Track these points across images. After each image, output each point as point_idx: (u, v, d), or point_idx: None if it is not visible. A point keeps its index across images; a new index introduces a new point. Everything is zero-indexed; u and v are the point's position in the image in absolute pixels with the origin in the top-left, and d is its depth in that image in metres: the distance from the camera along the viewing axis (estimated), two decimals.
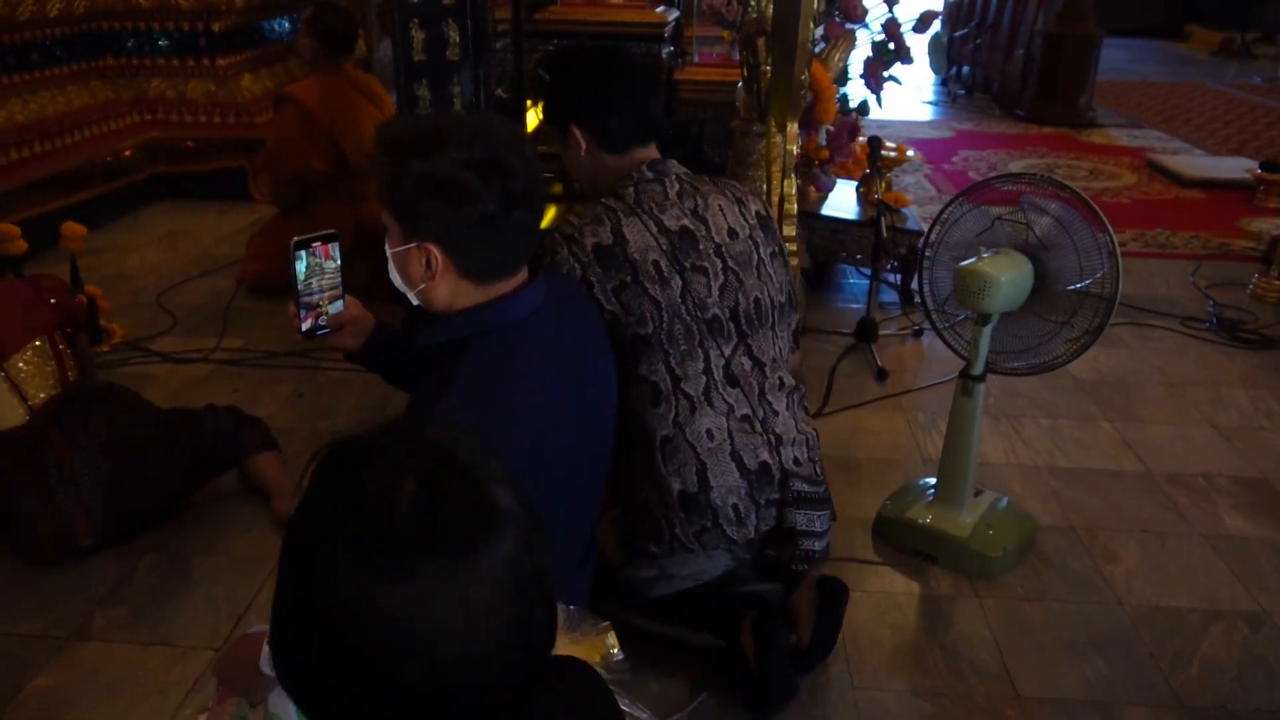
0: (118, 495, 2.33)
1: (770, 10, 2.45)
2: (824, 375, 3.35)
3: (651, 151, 1.88)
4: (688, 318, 1.82)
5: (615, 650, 1.43)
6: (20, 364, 2.25)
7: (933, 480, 2.57)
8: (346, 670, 0.76)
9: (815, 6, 1.96)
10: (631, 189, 1.84)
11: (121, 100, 5.18)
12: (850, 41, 2.61)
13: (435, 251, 1.39)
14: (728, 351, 1.87)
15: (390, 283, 1.54)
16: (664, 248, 1.81)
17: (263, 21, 5.61)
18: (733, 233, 1.89)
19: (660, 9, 3.35)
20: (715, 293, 1.86)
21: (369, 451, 0.81)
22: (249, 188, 5.26)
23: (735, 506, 1.81)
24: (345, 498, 0.79)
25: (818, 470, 1.98)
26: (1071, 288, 2.18)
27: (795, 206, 2.13)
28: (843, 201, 4.07)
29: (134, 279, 4.11)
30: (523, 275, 1.47)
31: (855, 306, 3.96)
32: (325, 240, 1.60)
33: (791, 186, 2.11)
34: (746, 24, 2.51)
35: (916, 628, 2.21)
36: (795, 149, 2.10)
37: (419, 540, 0.76)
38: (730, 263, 1.87)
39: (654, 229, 1.82)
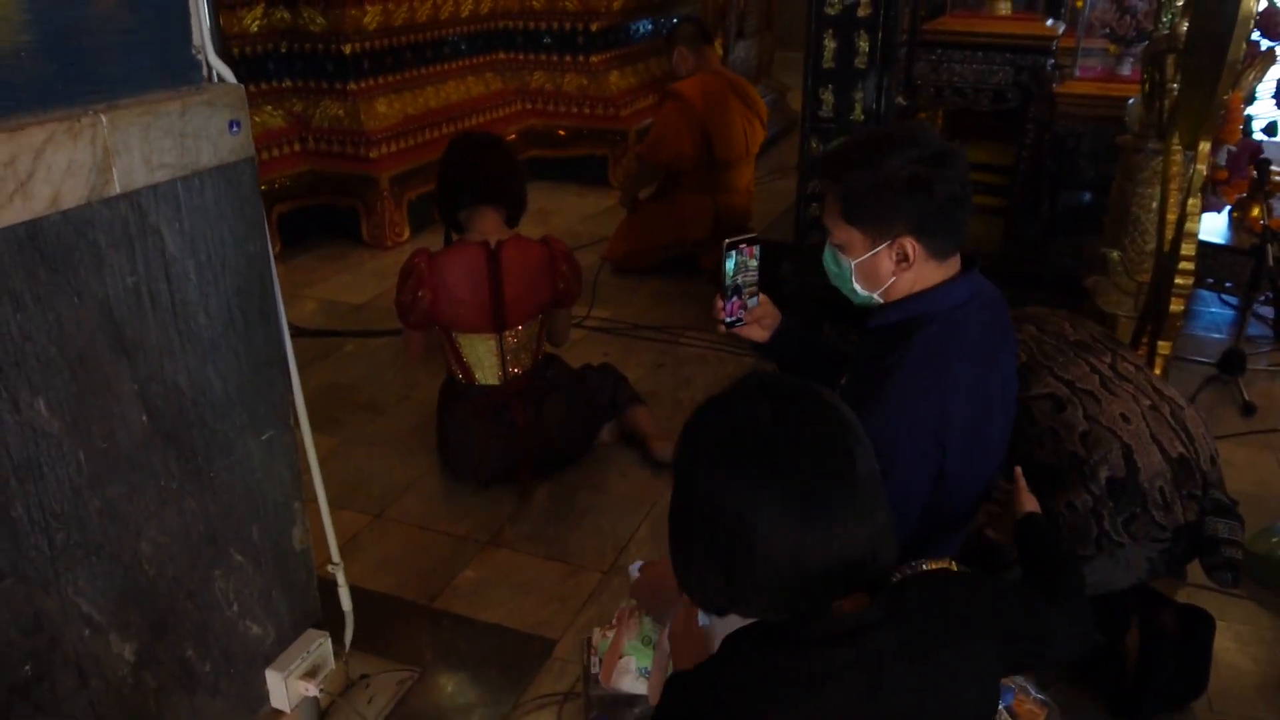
0: (552, 447, 2.75)
1: (1183, 27, 2.43)
2: None
3: None
4: (1054, 341, 2.02)
5: None
6: (512, 338, 2.66)
7: None
8: (714, 551, 1.06)
9: (1250, 26, 1.93)
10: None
11: (508, 90, 5.83)
12: (1269, 61, 2.52)
13: (910, 242, 1.55)
14: (1107, 360, 1.98)
15: None
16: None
17: (631, 23, 6.09)
18: (1052, 310, 2.19)
19: (1050, 22, 3.35)
20: (1069, 328, 2.07)
21: (736, 388, 1.12)
22: (607, 175, 5.76)
23: (1162, 490, 1.85)
24: (713, 417, 1.10)
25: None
26: None
27: (1198, 227, 2.12)
28: (1209, 225, 3.86)
29: None
30: (958, 261, 1.62)
31: (1215, 336, 3.76)
32: (750, 243, 1.82)
33: (1196, 206, 2.10)
34: (1155, 39, 2.50)
35: None
36: (1204, 169, 2.08)
37: (777, 444, 1.04)
38: (1065, 315, 2.13)
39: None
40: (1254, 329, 3.83)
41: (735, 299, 1.85)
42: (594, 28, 5.73)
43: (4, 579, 1.28)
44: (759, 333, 1.92)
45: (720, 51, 6.07)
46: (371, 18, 4.77)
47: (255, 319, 1.63)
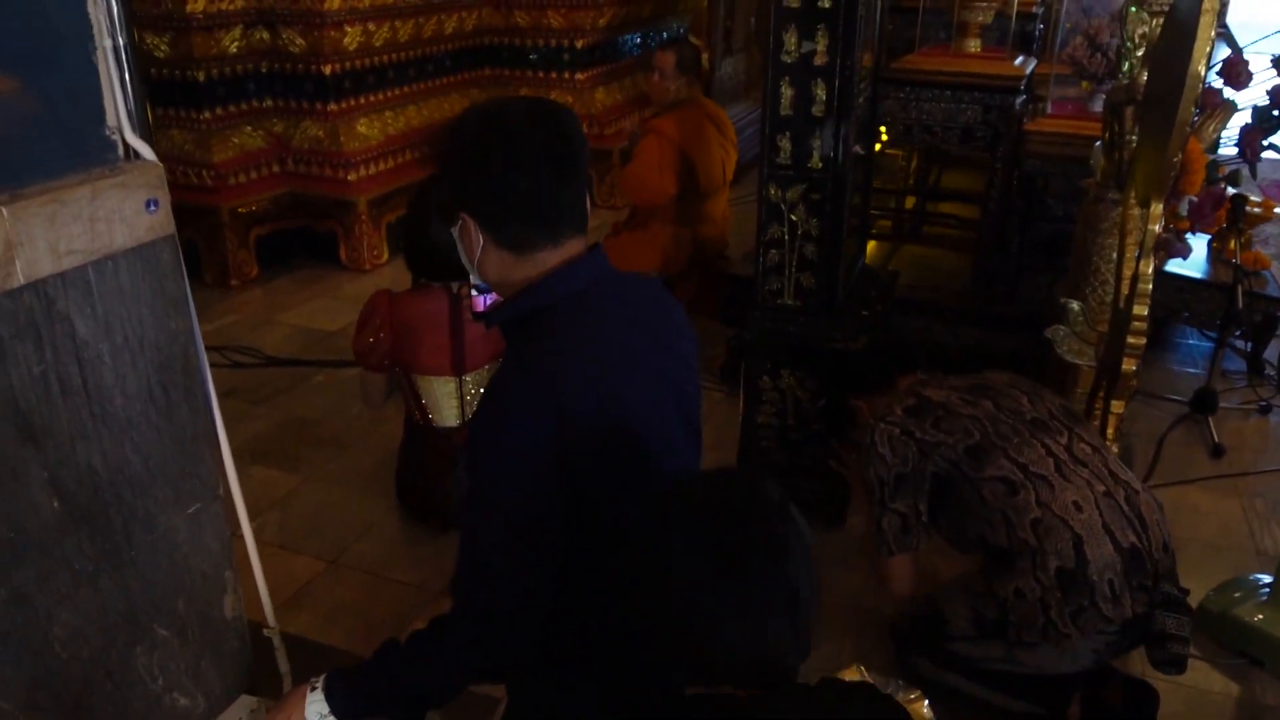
0: None
1: (1143, 78, 2.40)
2: (1151, 443, 3.20)
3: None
4: (1010, 420, 2.01)
5: (929, 715, 1.53)
6: (471, 381, 2.65)
7: (1268, 577, 2.43)
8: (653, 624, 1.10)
9: (1199, 88, 1.91)
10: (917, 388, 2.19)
11: None
12: (1228, 111, 2.49)
13: (472, 225, 1.37)
14: (1064, 441, 1.95)
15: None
16: (961, 391, 2.09)
17: (617, 39, 6.06)
18: (1012, 380, 2.19)
19: (1019, 60, 3.32)
20: (1026, 403, 2.06)
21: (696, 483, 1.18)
22: (593, 193, 5.74)
23: (1111, 583, 1.84)
24: (672, 505, 1.14)
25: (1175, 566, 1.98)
26: None
27: (1150, 287, 2.09)
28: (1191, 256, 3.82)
29: None
30: (573, 248, 1.40)
31: (1193, 371, 3.73)
32: None
33: (1148, 266, 2.08)
34: (1114, 89, 2.47)
35: None
36: (1158, 229, 2.06)
37: (716, 551, 1.06)
38: (1025, 387, 2.13)
39: (947, 386, 2.15)
40: (1231, 363, 3.81)
41: (482, 290, 1.65)
42: (580, 45, 5.71)
43: None
44: None
45: (706, 68, 6.05)
46: (351, 39, 4.76)
47: (178, 395, 1.61)
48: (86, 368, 1.44)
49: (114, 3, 1.48)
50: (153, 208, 1.51)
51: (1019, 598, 1.87)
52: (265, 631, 1.92)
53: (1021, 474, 1.91)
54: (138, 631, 1.61)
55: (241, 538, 1.84)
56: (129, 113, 1.50)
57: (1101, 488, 1.90)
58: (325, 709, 1.51)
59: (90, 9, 1.42)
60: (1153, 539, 1.90)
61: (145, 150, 1.52)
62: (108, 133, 1.47)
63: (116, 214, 1.44)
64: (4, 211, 1.28)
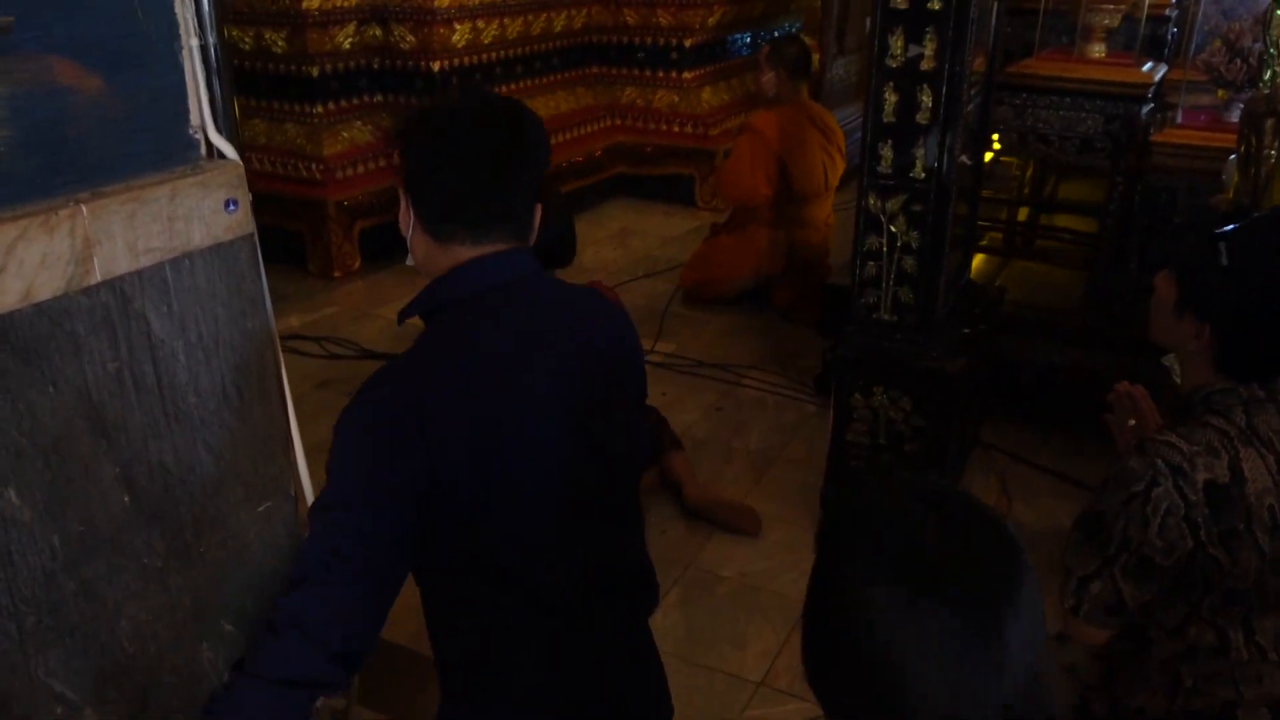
0: None
1: None
2: None
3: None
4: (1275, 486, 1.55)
5: None
6: None
7: None
8: (868, 671, 0.88)
9: None
10: (1241, 410, 1.56)
11: (599, 105, 5.81)
12: None
13: (405, 199, 1.44)
14: None
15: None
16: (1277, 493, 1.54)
17: (727, 38, 5.98)
18: None
19: (1146, 66, 3.12)
20: None
21: (881, 490, 0.93)
22: (694, 195, 5.67)
23: None
24: (873, 526, 0.90)
25: None
26: None
27: None
28: None
29: (589, 273, 4.62)
30: (499, 245, 1.41)
31: None
32: None
33: None
34: (1253, 99, 2.28)
35: None
36: None
37: (948, 567, 0.85)
38: None
39: (1272, 467, 1.53)
40: None
41: None
42: (688, 44, 5.66)
43: None
44: None
45: (817, 69, 5.92)
46: (460, 36, 4.80)
47: (253, 395, 1.61)
48: (161, 365, 1.45)
49: (203, 1, 1.48)
50: (232, 207, 1.51)
51: (1139, 714, 1.70)
52: None
53: (1243, 639, 1.60)
54: (205, 629, 1.62)
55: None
56: (214, 112, 1.50)
57: None
58: None
59: (178, 8, 1.42)
60: None
61: (228, 150, 1.52)
62: (191, 132, 1.47)
63: (195, 213, 1.45)
64: (84, 210, 1.29)
